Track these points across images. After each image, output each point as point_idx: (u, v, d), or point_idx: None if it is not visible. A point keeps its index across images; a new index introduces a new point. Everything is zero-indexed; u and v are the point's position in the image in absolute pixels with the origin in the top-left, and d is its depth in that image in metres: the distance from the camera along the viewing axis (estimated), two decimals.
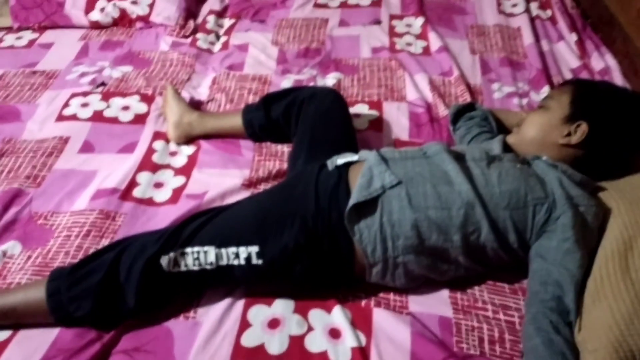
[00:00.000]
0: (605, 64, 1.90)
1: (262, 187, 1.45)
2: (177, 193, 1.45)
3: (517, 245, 1.13)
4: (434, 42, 2.02)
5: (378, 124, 1.67)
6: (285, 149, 1.57)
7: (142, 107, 1.74)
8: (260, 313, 1.14)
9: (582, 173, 1.21)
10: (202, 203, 1.39)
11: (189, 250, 1.11)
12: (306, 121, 1.45)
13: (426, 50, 2.01)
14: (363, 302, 1.16)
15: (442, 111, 1.70)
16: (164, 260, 1.10)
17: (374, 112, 1.71)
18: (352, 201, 1.11)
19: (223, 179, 1.47)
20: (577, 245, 1.08)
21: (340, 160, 1.23)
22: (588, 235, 1.12)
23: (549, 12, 2.21)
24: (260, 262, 1.11)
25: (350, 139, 1.44)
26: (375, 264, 1.13)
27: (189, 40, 2.08)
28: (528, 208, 1.13)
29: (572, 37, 2.04)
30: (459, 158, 1.20)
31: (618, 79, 1.82)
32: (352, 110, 1.70)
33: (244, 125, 1.57)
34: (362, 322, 1.12)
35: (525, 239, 1.14)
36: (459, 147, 1.28)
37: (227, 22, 2.21)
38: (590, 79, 1.54)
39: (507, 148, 1.30)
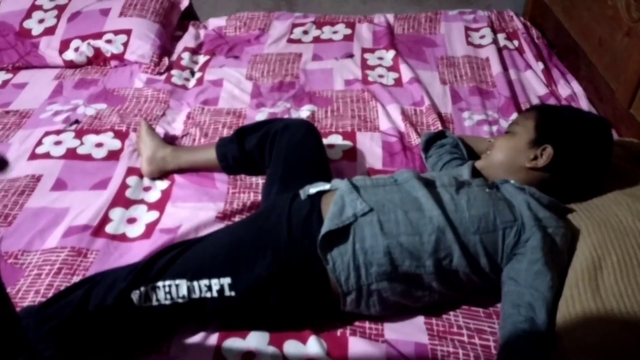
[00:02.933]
0: (571, 91, 1.96)
1: (236, 220, 1.44)
2: (151, 228, 1.44)
3: (489, 269, 1.14)
4: (405, 73, 2.07)
5: (352, 153, 1.69)
6: (259, 180, 1.57)
7: (115, 144, 1.73)
8: (234, 346, 1.12)
9: (550, 195, 1.23)
10: (175, 237, 1.38)
11: (160, 284, 1.10)
12: (279, 153, 1.46)
13: (398, 82, 2.05)
14: (338, 332, 1.15)
15: (415, 140, 1.73)
16: (135, 295, 1.09)
17: (348, 143, 1.73)
18: (324, 229, 1.11)
19: (197, 212, 1.47)
20: (546, 267, 1.09)
21: (313, 189, 1.24)
22: (557, 256, 1.13)
23: (515, 43, 2.28)
24: (233, 294, 1.10)
25: (323, 169, 1.45)
26: (349, 293, 1.13)
27: (163, 77, 2.10)
28: (497, 232, 1.14)
29: (539, 66, 2.10)
30: (429, 184, 1.21)
31: (584, 104, 1.87)
32: (326, 141, 1.73)
33: (217, 159, 1.57)
34: (338, 352, 1.11)
35: (497, 262, 1.15)
36: (429, 174, 1.30)
37: (201, 59, 2.24)
38: (555, 104, 1.58)
39: (476, 173, 1.32)
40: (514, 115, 1.82)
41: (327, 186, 1.24)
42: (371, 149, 1.71)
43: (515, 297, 1.09)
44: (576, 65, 2.00)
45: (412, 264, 1.12)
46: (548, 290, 1.07)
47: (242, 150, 1.54)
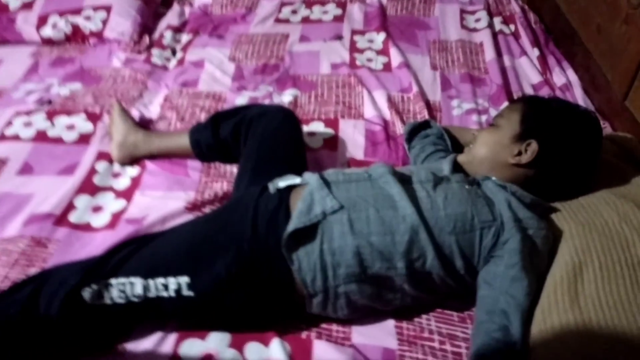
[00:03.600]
0: (566, 79, 1.87)
1: (206, 211, 1.38)
2: (116, 217, 1.37)
3: (464, 271, 1.08)
4: (395, 58, 1.98)
5: (333, 142, 1.61)
6: (234, 169, 1.50)
7: (87, 126, 1.66)
8: (193, 347, 1.06)
9: (534, 193, 1.17)
10: (141, 228, 1.32)
11: (114, 281, 1.04)
12: (253, 142, 1.39)
13: (387, 66, 1.96)
14: (303, 334, 1.10)
15: (399, 129, 1.65)
16: (87, 293, 1.03)
17: (329, 131, 1.65)
18: (290, 228, 1.05)
19: (166, 202, 1.40)
20: (524, 272, 1.02)
21: (282, 182, 1.17)
22: (537, 260, 1.07)
23: (512, 27, 2.18)
24: (191, 293, 1.04)
25: (299, 160, 1.38)
26: (315, 295, 1.07)
27: (143, 56, 2.01)
28: (475, 232, 1.08)
29: (535, 52, 2.01)
30: (405, 180, 1.14)
31: (579, 94, 1.79)
32: (308, 128, 1.65)
33: (191, 145, 1.50)
34: (301, 356, 1.06)
35: (473, 264, 1.08)
36: (406, 169, 1.22)
37: (184, 38, 2.15)
38: (542, 96, 1.49)
39: (457, 168, 1.25)
40: (505, 105, 1.74)
41: (297, 180, 1.17)
42: (354, 137, 1.63)
43: (490, 303, 1.03)
44: (572, 52, 1.91)
45: (382, 266, 1.05)
46: (524, 297, 1.01)
47: (216, 137, 1.46)
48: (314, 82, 1.88)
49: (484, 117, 1.72)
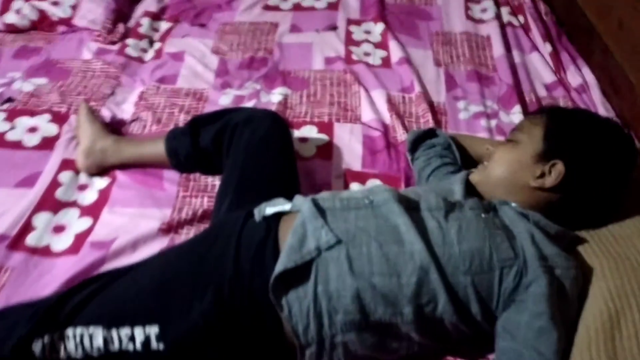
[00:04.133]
0: (582, 79, 1.72)
1: (183, 233, 1.22)
2: (81, 239, 1.20)
3: (481, 317, 0.93)
4: (395, 52, 1.81)
5: (327, 150, 1.45)
6: (216, 182, 1.34)
7: (52, 129, 1.48)
8: None
9: (556, 220, 1.02)
10: (107, 254, 1.15)
11: (70, 332, 0.88)
12: (237, 154, 1.22)
13: (386, 62, 1.79)
14: None
15: (401, 135, 1.49)
16: (37, 346, 0.87)
17: (323, 137, 1.48)
18: (278, 268, 0.89)
19: (138, 221, 1.23)
20: (552, 323, 0.87)
21: (270, 209, 1.01)
22: (566, 307, 0.92)
23: (521, 18, 2.01)
24: (161, 346, 0.88)
25: (289, 175, 1.22)
26: (308, 345, 0.91)
27: (116, 47, 1.82)
28: (494, 272, 0.92)
29: (547, 48, 1.85)
30: (412, 207, 0.99)
31: (597, 96, 1.63)
32: (299, 133, 1.49)
33: (167, 154, 1.33)
34: None
35: (491, 309, 0.93)
36: (412, 191, 1.06)
37: (163, 26, 1.96)
38: (567, 106, 1.33)
39: (470, 188, 1.09)
40: (516, 108, 1.58)
41: (287, 206, 1.01)
42: (350, 145, 1.47)
43: (513, 357, 0.88)
44: (589, 49, 1.75)
45: (386, 311, 0.90)
46: (553, 354, 0.86)
47: (195, 145, 1.29)
48: (305, 80, 1.70)
49: (493, 122, 1.56)
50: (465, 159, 1.31)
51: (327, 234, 0.92)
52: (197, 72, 1.72)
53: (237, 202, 1.11)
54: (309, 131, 1.51)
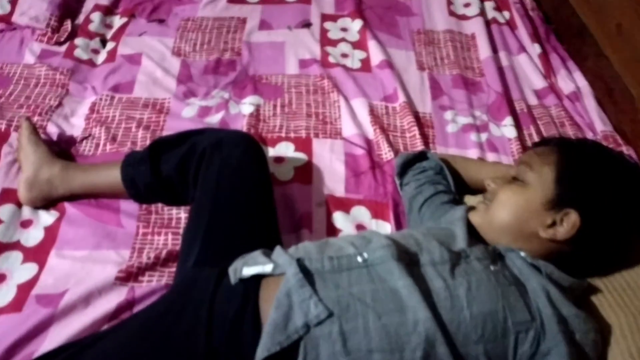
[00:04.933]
0: (574, 85, 1.61)
1: (145, 281, 1.06)
2: (24, 292, 1.03)
3: None
4: (375, 53, 1.66)
5: (306, 172, 1.30)
6: (182, 214, 1.18)
7: None
8: None
9: (567, 269, 0.90)
10: (56, 311, 0.99)
11: None
12: (206, 186, 1.07)
13: (365, 64, 1.64)
14: None
15: (386, 153, 1.36)
16: None
17: (301, 156, 1.34)
18: (261, 353, 0.75)
19: (91, 267, 1.07)
20: None
21: (248, 270, 0.86)
22: None
23: (506, 14, 1.89)
24: None
25: (267, 212, 1.07)
26: None
27: (64, 48, 1.61)
28: (508, 338, 0.82)
29: (535, 49, 1.73)
30: (412, 262, 0.86)
31: (591, 105, 1.53)
32: (274, 151, 1.34)
33: (124, 184, 1.16)
34: None
35: None
36: (410, 236, 0.92)
37: (117, 22, 1.75)
38: (576, 139, 1.19)
39: (471, 228, 0.97)
40: (507, 120, 1.46)
41: (268, 267, 0.86)
42: (331, 165, 1.33)
43: None
44: (581, 52, 1.64)
45: None
46: None
47: (156, 174, 1.13)
48: (279, 86, 1.54)
49: (484, 136, 1.44)
50: (458, 183, 1.19)
51: (316, 306, 0.78)
52: (157, 78, 1.54)
53: (207, 251, 0.96)
54: (285, 149, 1.36)
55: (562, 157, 0.93)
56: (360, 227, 1.20)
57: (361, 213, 1.23)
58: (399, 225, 1.20)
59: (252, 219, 1.02)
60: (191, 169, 1.11)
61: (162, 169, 1.13)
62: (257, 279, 0.85)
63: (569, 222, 0.89)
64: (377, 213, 1.23)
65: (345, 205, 1.24)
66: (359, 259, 0.86)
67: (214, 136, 1.15)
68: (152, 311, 0.89)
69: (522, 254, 0.91)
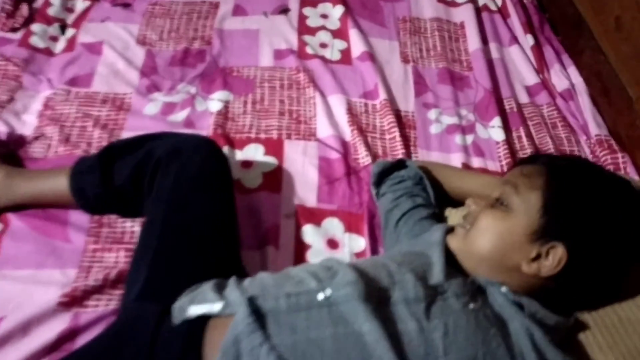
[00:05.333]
0: (569, 82, 1.51)
1: (90, 306, 0.96)
2: None
3: None
4: (356, 43, 1.54)
5: (276, 179, 1.20)
6: (137, 227, 1.08)
7: None
8: None
9: (554, 303, 0.82)
10: None
11: None
12: (159, 201, 0.96)
13: (345, 56, 1.53)
14: None
15: (363, 157, 1.26)
16: None
17: (271, 160, 1.24)
18: None
19: (32, 290, 0.97)
20: None
21: (194, 309, 0.77)
22: None
23: (498, 1, 1.77)
24: None
25: (226, 233, 0.97)
26: None
27: (19, 34, 1.48)
28: None
29: (528, 40, 1.62)
30: (383, 301, 0.77)
31: (586, 105, 1.43)
32: (242, 154, 1.24)
33: (72, 194, 1.06)
34: None
35: None
36: (382, 265, 0.83)
37: (79, 5, 1.61)
38: (573, 159, 1.06)
39: (449, 253, 0.88)
40: (495, 122, 1.36)
41: (216, 306, 0.77)
42: (303, 171, 1.23)
43: None
44: (577, 46, 1.53)
45: None
46: None
47: (107, 184, 1.03)
48: (250, 80, 1.43)
49: (469, 139, 1.34)
50: (439, 193, 1.09)
51: (267, 354, 0.69)
52: (118, 70, 1.42)
53: (153, 281, 0.86)
54: (254, 152, 1.25)
55: (550, 182, 0.83)
56: (331, 241, 1.11)
57: (333, 226, 1.13)
58: (373, 240, 1.11)
59: (208, 242, 0.92)
60: (145, 178, 1.00)
61: (114, 178, 1.03)
62: (205, 318, 0.76)
63: (555, 257, 0.79)
64: (351, 226, 1.14)
65: (316, 216, 1.14)
66: (321, 296, 0.76)
67: (170, 142, 1.04)
68: (88, 354, 0.79)
69: (503, 289, 0.81)
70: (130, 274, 0.93)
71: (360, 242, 1.11)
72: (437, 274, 0.82)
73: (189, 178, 0.98)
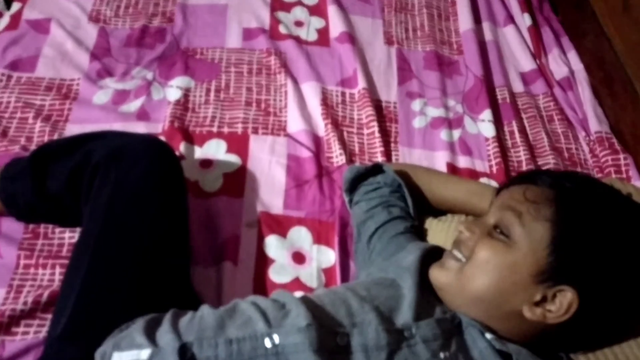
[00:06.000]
0: (568, 69, 1.37)
1: (19, 332, 0.85)
2: None
3: None
4: (335, 22, 1.40)
5: (238, 181, 1.08)
6: (75, 239, 0.96)
7: None
8: None
9: (548, 345, 0.71)
10: None
11: None
12: (94, 216, 0.83)
13: (323, 36, 1.38)
14: None
15: (337, 156, 1.13)
16: None
17: (234, 159, 1.11)
18: None
19: None
20: None
21: (118, 357, 0.65)
22: None
23: None
24: None
25: (171, 254, 0.84)
26: None
27: None
28: None
29: (525, 20, 1.47)
30: (337, 350, 0.65)
31: (586, 95, 1.30)
32: (202, 151, 1.11)
33: (2, 202, 0.94)
34: None
35: None
36: (341, 301, 0.71)
37: None
38: (586, 180, 0.85)
39: (426, 283, 0.76)
40: (486, 115, 1.23)
41: (144, 354, 0.65)
42: (270, 171, 1.10)
43: None
44: (579, 28, 1.39)
45: None
46: None
47: (40, 191, 0.90)
48: (215, 64, 1.28)
49: (456, 134, 1.21)
50: (419, 200, 0.97)
51: None
52: (66, 51, 1.27)
53: (79, 316, 0.73)
54: (216, 149, 1.12)
55: (560, 212, 0.69)
56: (298, 255, 0.99)
57: (301, 236, 1.01)
58: (344, 253, 0.99)
59: (148, 265, 0.79)
60: (83, 189, 0.87)
61: (48, 185, 0.90)
62: None
63: (564, 303, 0.66)
64: (321, 236, 1.02)
65: (282, 226, 1.02)
66: (268, 342, 0.65)
67: (113, 144, 0.90)
68: None
69: (489, 336, 0.69)
70: (59, 301, 0.80)
71: (330, 256, 0.99)
72: (405, 312, 0.70)
73: (130, 188, 0.85)
